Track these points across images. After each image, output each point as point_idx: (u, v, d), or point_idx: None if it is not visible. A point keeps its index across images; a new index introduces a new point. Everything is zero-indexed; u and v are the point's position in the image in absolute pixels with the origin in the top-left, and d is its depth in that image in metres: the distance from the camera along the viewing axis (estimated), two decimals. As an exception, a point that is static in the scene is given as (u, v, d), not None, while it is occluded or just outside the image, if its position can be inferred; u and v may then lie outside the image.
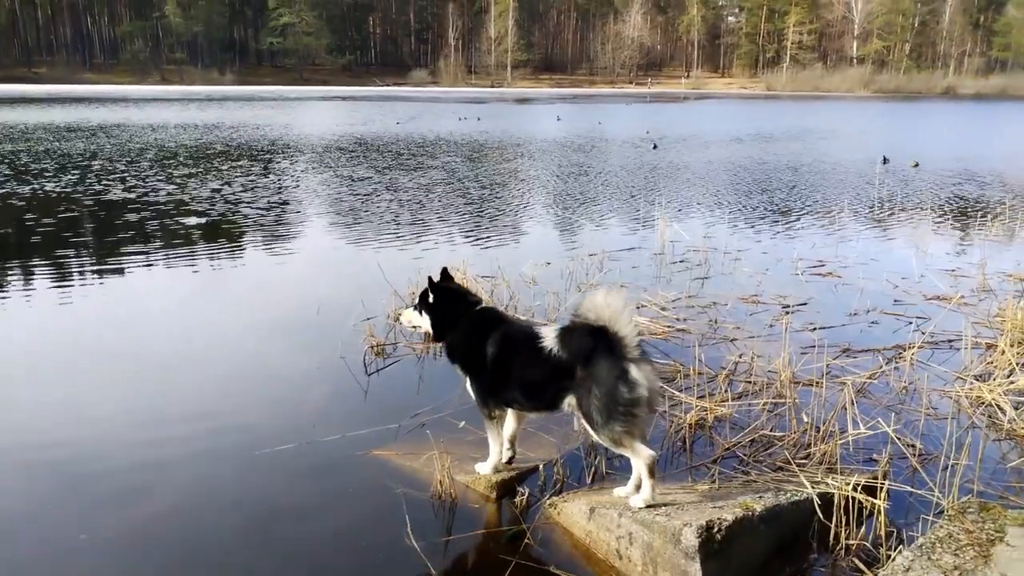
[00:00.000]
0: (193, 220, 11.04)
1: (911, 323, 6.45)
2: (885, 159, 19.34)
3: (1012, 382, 4.88)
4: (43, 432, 4.53)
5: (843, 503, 3.38)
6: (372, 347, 5.82)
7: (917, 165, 18.79)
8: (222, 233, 10.30)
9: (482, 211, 12.16)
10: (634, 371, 3.22)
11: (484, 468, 3.93)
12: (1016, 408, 4.62)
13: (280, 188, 14.29)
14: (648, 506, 3.30)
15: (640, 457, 3.30)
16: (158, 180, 15.09)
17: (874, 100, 75.38)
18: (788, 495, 3.39)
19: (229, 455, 4.26)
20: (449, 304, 3.84)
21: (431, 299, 3.85)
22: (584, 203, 12.92)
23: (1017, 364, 5.19)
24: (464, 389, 3.90)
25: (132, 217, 11.15)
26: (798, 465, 3.91)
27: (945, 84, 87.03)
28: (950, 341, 5.97)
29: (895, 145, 23.50)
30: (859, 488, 3.41)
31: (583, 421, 3.39)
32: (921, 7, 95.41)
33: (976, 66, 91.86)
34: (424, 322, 3.92)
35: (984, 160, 20.45)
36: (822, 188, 14.90)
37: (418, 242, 9.79)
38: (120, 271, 8.24)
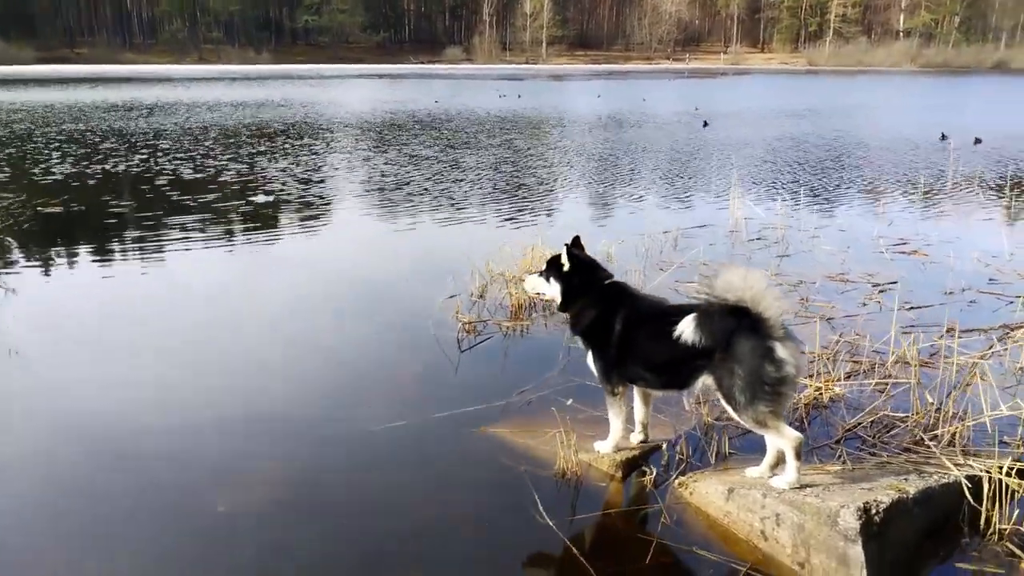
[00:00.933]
0: (267, 199, 11.09)
1: (1011, 302, 6.24)
2: (943, 136, 18.75)
3: None
4: (160, 411, 4.59)
5: (994, 486, 3.27)
6: (463, 325, 5.79)
7: (979, 141, 18.16)
8: (298, 213, 10.32)
9: (551, 189, 12.08)
10: (780, 349, 3.13)
11: (604, 447, 3.88)
12: None
13: (350, 167, 14.32)
14: (793, 488, 3.22)
15: (786, 438, 3.22)
16: (226, 158, 15.23)
17: (921, 75, 73.24)
18: (936, 477, 3.28)
19: (343, 434, 4.25)
20: (582, 274, 3.76)
21: (565, 267, 3.77)
22: (648, 181, 12.76)
23: None
24: (585, 363, 3.84)
25: (208, 197, 11.24)
26: (926, 447, 3.81)
27: (996, 58, 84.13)
28: (1059, 321, 5.75)
29: (950, 121, 22.73)
30: (1012, 472, 3.29)
31: (724, 401, 3.31)
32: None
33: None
34: (551, 290, 3.85)
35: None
36: (887, 164, 14.51)
37: (490, 219, 9.74)
38: (206, 250, 8.31)
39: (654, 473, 3.72)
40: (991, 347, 5.24)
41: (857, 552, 2.85)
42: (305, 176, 13.14)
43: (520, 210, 10.36)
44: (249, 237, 8.88)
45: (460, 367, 5.17)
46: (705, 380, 3.38)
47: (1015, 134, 20.22)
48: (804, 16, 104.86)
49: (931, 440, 3.97)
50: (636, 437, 3.97)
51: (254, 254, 8.17)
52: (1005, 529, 3.20)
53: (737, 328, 3.17)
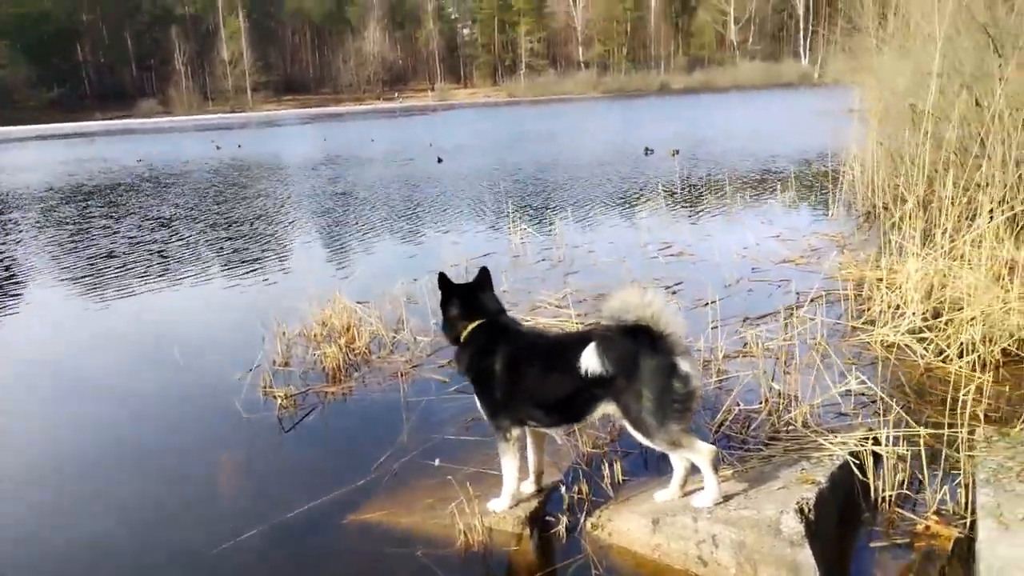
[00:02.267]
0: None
1: (779, 286, 6.97)
2: (648, 150, 20.96)
3: (904, 326, 5.40)
4: None
5: (868, 458, 3.49)
6: (280, 400, 5.03)
7: (676, 152, 20.54)
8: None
9: (324, 235, 11.34)
10: (684, 364, 3.04)
11: (499, 504, 3.51)
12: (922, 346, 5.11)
13: (62, 243, 12.13)
14: (716, 504, 3.13)
15: (701, 454, 3.12)
16: None
17: (604, 99, 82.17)
18: (826, 461, 3.41)
19: (180, 563, 3.39)
20: (458, 305, 3.43)
21: (440, 297, 3.45)
22: (416, 217, 12.47)
23: (891, 308, 5.76)
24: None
25: None
26: (788, 434, 4.00)
27: (659, 81, 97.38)
28: (824, 296, 6.49)
29: (645, 137, 25.52)
30: (874, 441, 3.54)
31: (631, 428, 3.13)
32: (631, 13, 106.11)
33: (681, 64, 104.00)
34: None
35: (716, 142, 22.97)
36: (615, 178, 15.78)
37: (268, 275, 8.80)
38: None
39: (562, 521, 3.42)
40: (786, 330, 5.75)
41: (807, 555, 2.81)
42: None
43: (303, 261, 9.56)
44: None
45: (292, 452, 4.46)
46: (605, 409, 3.20)
47: (698, 142, 23.30)
48: (498, 52, 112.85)
49: (786, 426, 4.18)
50: (528, 487, 3.65)
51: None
52: (891, 495, 3.40)
53: (638, 349, 3.02)
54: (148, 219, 13.71)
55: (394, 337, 6.02)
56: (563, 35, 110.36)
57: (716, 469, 3.17)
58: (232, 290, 8.30)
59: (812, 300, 6.05)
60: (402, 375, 5.33)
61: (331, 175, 20.04)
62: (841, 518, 3.24)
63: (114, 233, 12.35)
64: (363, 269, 8.81)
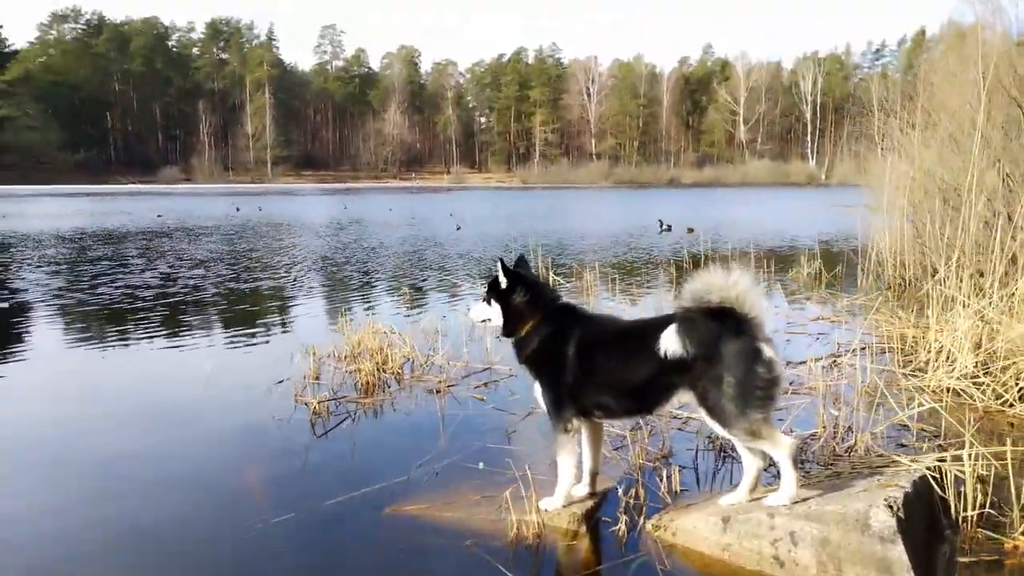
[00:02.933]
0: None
1: (817, 338, 6.87)
2: (666, 226, 21.15)
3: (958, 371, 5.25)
4: None
5: (949, 476, 3.28)
6: (312, 407, 4.85)
7: (692, 230, 20.70)
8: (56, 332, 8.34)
9: (365, 282, 11.26)
10: (767, 350, 2.90)
11: (553, 502, 3.30)
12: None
13: (103, 282, 12.11)
14: (795, 503, 2.93)
15: (781, 446, 2.94)
16: None
17: (615, 189, 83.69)
18: (901, 475, 3.21)
19: (226, 535, 3.18)
20: (524, 293, 3.27)
21: (503, 285, 3.26)
22: (451, 270, 12.46)
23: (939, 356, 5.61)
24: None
25: None
26: (851, 457, 3.81)
27: (669, 175, 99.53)
28: (867, 348, 6.33)
29: (660, 216, 25.85)
30: (958, 459, 3.34)
31: (708, 416, 2.97)
32: (643, 110, 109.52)
33: (691, 160, 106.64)
34: (493, 313, 3.30)
35: (732, 225, 23.15)
36: (644, 248, 15.85)
37: (305, 311, 8.70)
38: None
39: (621, 520, 3.20)
40: (832, 370, 5.60)
41: (899, 552, 2.60)
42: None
43: (334, 303, 9.47)
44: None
45: (325, 453, 4.25)
46: (681, 397, 3.04)
47: (715, 223, 23.52)
48: (513, 140, 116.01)
49: (847, 451, 3.99)
50: (582, 489, 3.44)
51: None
52: (973, 515, 3.19)
53: (722, 332, 2.89)
54: (182, 260, 13.73)
55: (428, 359, 5.87)
56: (577, 127, 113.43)
57: (796, 465, 2.98)
58: (257, 325, 8.20)
59: (853, 351, 5.91)
60: (438, 392, 5.17)
61: (356, 234, 20.21)
62: (927, 527, 3.02)
63: (143, 271, 12.35)
64: (414, 308, 8.71)
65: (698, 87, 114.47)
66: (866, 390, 5.11)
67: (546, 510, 3.28)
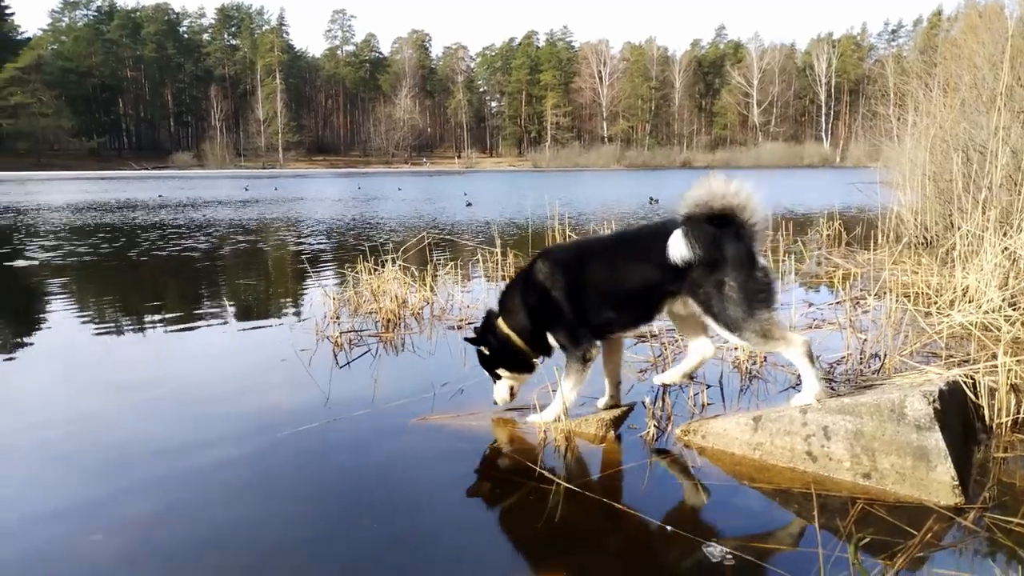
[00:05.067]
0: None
1: (839, 285, 6.78)
2: (653, 199, 21.26)
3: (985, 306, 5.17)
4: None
5: (981, 385, 3.24)
6: (334, 339, 4.85)
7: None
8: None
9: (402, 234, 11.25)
10: (760, 258, 2.88)
11: (543, 416, 3.29)
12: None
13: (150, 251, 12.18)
14: (820, 400, 2.89)
15: (794, 345, 2.91)
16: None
17: (626, 171, 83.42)
18: (933, 382, 3.16)
19: (243, 441, 3.18)
20: (493, 338, 3.35)
21: (486, 353, 3.38)
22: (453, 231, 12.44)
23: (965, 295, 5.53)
24: None
25: None
26: (879, 376, 3.76)
27: (682, 158, 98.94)
28: (891, 291, 6.26)
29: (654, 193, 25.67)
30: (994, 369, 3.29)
31: (715, 323, 2.94)
32: (655, 93, 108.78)
33: (704, 142, 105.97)
34: (506, 375, 3.37)
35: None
36: (640, 213, 15.73)
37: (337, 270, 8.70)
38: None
39: (650, 426, 3.17)
40: (856, 308, 5.54)
41: (936, 439, 2.55)
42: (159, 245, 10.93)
43: (352, 256, 9.48)
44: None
45: (349, 377, 4.23)
46: (680, 305, 3.03)
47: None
48: (524, 124, 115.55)
49: (874, 373, 3.94)
50: (603, 401, 3.43)
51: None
52: (1006, 421, 3.14)
53: (722, 236, 2.86)
54: (217, 226, 13.80)
55: (447, 301, 5.85)
56: (589, 110, 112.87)
57: (813, 360, 2.94)
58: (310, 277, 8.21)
59: (877, 295, 5.85)
60: (459, 328, 5.16)
61: (372, 209, 20.23)
62: (962, 424, 2.98)
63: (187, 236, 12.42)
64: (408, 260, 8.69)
65: (711, 69, 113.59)
66: (892, 324, 5.06)
67: (536, 422, 3.26)
